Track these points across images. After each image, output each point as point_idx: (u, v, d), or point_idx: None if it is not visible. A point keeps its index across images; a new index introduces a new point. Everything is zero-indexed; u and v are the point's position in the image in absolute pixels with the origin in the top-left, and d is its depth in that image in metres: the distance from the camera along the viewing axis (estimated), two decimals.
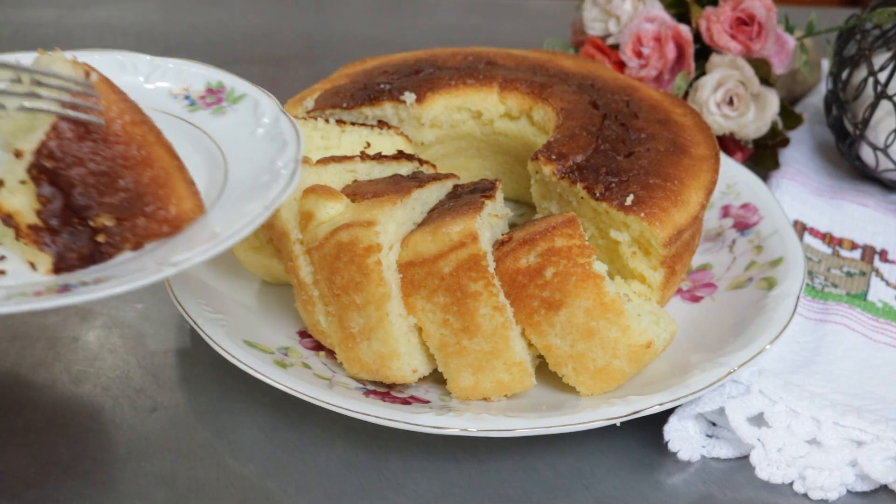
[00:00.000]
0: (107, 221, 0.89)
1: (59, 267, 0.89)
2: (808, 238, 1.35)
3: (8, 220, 0.89)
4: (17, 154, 0.89)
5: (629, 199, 1.09)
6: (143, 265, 0.86)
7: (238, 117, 1.06)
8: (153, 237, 0.91)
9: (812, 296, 1.24)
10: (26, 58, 1.02)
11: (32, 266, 0.90)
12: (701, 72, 1.47)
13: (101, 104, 0.90)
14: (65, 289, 0.84)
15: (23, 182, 0.88)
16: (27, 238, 0.88)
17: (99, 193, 0.89)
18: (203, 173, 0.99)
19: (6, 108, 0.89)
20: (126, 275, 0.84)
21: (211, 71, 1.11)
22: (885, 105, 1.38)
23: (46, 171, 0.87)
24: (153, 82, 1.11)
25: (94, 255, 0.90)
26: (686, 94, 1.46)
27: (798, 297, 1.12)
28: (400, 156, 1.15)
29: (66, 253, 0.88)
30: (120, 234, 0.90)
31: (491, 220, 1.05)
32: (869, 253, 1.35)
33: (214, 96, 1.09)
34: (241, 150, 1.01)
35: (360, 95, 1.28)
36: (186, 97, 1.09)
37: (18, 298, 0.83)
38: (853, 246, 1.36)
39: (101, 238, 0.89)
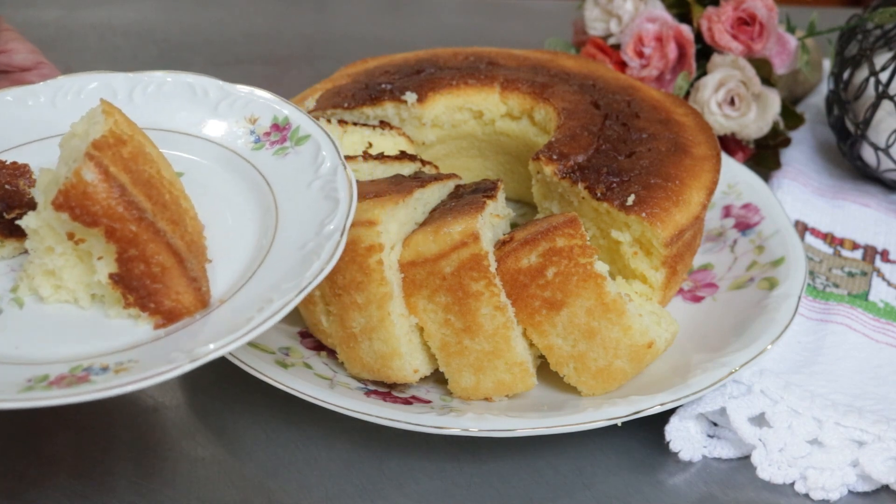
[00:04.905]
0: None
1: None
2: (809, 238, 1.35)
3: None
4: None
5: (630, 199, 1.09)
6: (169, 357, 0.84)
7: (298, 162, 1.04)
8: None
9: (813, 296, 1.24)
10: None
11: None
12: (702, 72, 1.47)
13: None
14: (84, 377, 0.82)
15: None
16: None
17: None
18: (257, 226, 1.00)
19: None
20: (152, 367, 0.82)
21: (279, 103, 1.10)
22: (886, 105, 1.38)
23: None
24: (222, 111, 1.10)
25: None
26: (687, 95, 1.46)
27: (799, 298, 1.12)
28: (403, 156, 1.15)
29: None
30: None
31: (493, 220, 1.04)
32: (870, 253, 1.34)
33: (279, 134, 1.07)
34: (295, 203, 1.00)
35: (362, 95, 1.27)
36: (252, 132, 1.08)
37: (32, 391, 0.80)
38: (854, 246, 1.36)
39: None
